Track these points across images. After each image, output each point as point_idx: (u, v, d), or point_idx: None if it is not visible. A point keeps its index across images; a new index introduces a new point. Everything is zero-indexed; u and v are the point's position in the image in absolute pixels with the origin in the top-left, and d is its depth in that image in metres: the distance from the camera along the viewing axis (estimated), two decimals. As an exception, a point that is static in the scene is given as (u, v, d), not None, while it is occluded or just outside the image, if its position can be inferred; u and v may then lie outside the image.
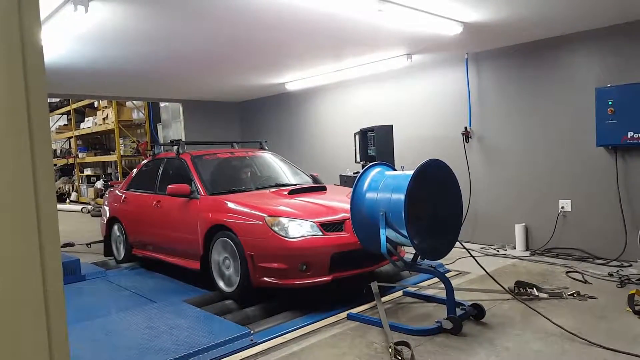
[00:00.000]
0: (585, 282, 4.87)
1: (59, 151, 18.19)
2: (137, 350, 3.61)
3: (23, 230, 0.94)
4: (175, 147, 6.14)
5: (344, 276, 4.48)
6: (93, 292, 5.38)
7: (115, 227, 6.78)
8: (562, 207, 6.05)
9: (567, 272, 5.20)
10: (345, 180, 7.03)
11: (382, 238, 3.92)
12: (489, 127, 6.74)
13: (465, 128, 6.90)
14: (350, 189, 4.36)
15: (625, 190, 5.53)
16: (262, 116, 10.61)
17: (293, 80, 8.40)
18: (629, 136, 5.32)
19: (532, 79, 6.25)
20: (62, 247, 7.33)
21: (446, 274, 4.67)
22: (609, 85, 5.48)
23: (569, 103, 5.92)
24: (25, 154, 0.95)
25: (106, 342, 3.83)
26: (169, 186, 5.35)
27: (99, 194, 14.23)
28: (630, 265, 5.34)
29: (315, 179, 6.24)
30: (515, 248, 6.44)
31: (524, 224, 6.40)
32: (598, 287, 4.70)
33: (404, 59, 6.72)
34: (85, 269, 6.06)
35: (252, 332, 3.85)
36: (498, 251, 6.41)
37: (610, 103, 5.42)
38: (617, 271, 5.10)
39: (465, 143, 6.93)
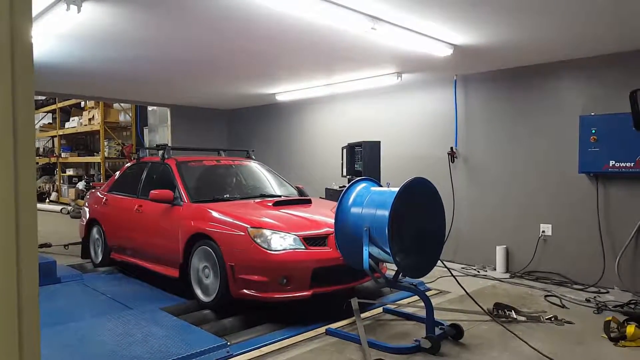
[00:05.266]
0: (563, 306, 4.91)
1: (41, 149, 17.91)
2: (109, 357, 3.53)
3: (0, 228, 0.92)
4: (160, 152, 6.08)
5: (324, 292, 4.46)
6: (68, 295, 5.26)
7: (95, 230, 6.66)
8: (543, 231, 6.13)
9: (545, 296, 5.24)
10: (330, 194, 7.02)
11: (365, 254, 3.91)
12: (475, 149, 6.83)
13: (451, 148, 6.97)
14: (335, 203, 4.36)
15: (604, 218, 5.62)
16: (251, 125, 10.59)
17: (284, 91, 8.41)
18: (610, 164, 5.42)
19: (519, 104, 6.36)
20: (38, 247, 7.16)
21: (426, 293, 4.67)
22: (592, 113, 5.60)
23: (554, 129, 6.03)
24: (7, 152, 0.92)
25: (78, 348, 3.73)
26: (151, 191, 5.28)
27: (80, 195, 14.00)
28: (607, 292, 5.40)
29: (300, 191, 6.22)
30: (495, 269, 6.48)
31: (505, 246, 6.45)
32: (575, 312, 4.74)
33: (394, 77, 6.78)
34: (61, 271, 5.93)
35: (228, 343, 3.79)
36: (478, 272, 6.44)
37: (593, 131, 5.53)
38: (595, 297, 5.17)
39: (450, 163, 7.00)
